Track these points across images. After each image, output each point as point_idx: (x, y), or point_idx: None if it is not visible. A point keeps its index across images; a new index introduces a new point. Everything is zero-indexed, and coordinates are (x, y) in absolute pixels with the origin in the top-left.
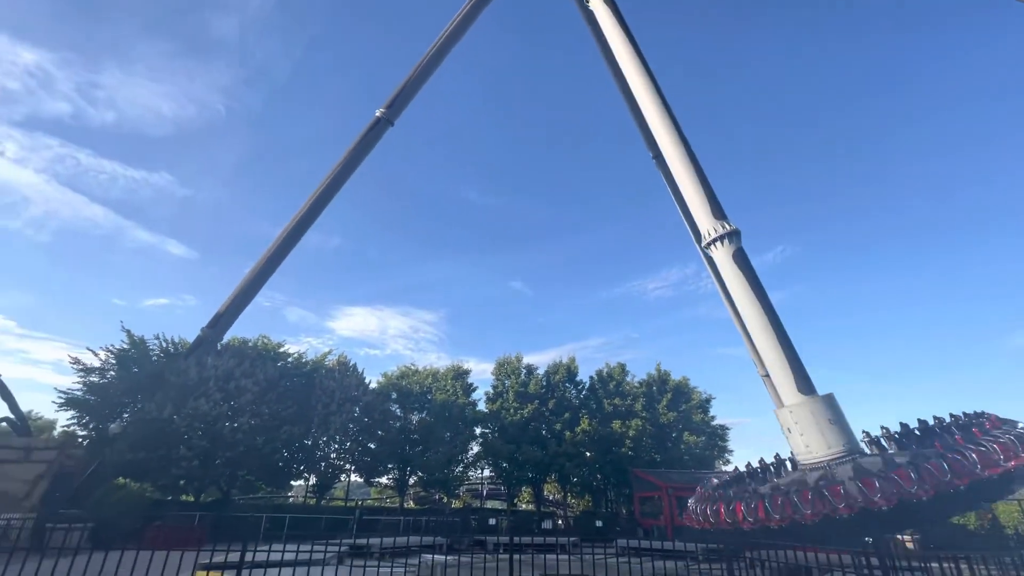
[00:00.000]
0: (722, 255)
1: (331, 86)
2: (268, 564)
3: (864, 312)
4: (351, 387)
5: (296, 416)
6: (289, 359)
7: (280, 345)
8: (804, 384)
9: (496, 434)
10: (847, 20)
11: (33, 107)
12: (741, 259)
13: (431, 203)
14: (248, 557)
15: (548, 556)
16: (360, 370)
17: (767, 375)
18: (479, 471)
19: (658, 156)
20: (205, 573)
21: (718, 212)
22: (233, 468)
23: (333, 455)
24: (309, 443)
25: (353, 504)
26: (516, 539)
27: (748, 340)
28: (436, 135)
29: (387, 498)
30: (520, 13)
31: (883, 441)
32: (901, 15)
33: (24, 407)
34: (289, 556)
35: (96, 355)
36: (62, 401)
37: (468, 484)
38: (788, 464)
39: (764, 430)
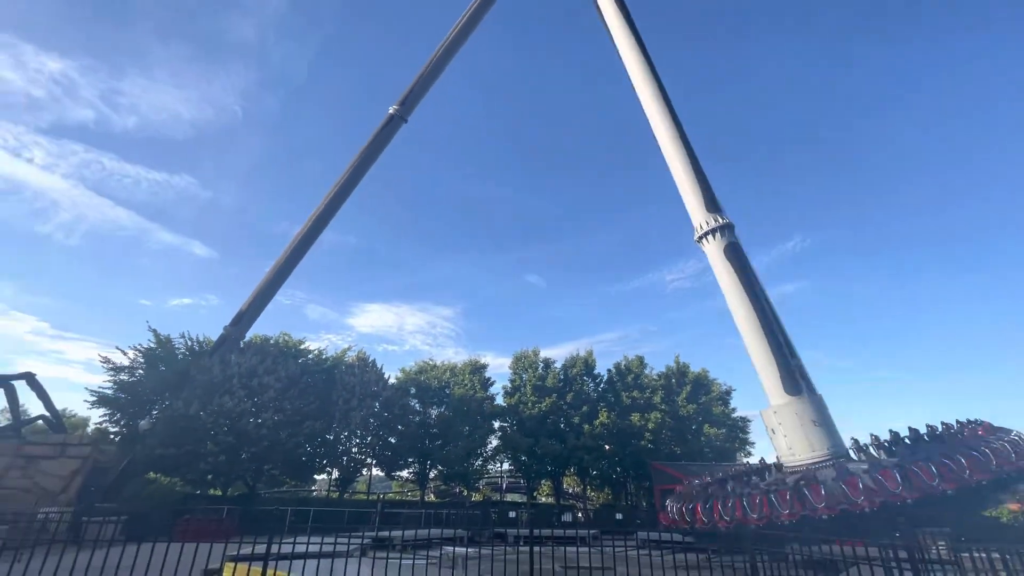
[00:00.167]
0: (713, 249)
1: (345, 86)
2: (294, 556)
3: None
4: (371, 382)
5: (318, 411)
6: (310, 356)
7: (301, 342)
8: (791, 384)
9: (515, 428)
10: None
11: (58, 114)
12: (732, 253)
13: (444, 200)
14: (274, 549)
15: (568, 549)
16: (379, 366)
17: None
18: (498, 465)
19: None
20: (233, 564)
21: (712, 205)
22: (258, 463)
23: (354, 449)
24: (331, 438)
25: (375, 498)
26: (536, 532)
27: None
28: (448, 133)
29: (408, 492)
30: (530, 9)
31: (872, 449)
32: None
33: (58, 405)
34: (314, 548)
35: (125, 354)
36: (94, 399)
37: (488, 478)
38: (772, 469)
39: None
